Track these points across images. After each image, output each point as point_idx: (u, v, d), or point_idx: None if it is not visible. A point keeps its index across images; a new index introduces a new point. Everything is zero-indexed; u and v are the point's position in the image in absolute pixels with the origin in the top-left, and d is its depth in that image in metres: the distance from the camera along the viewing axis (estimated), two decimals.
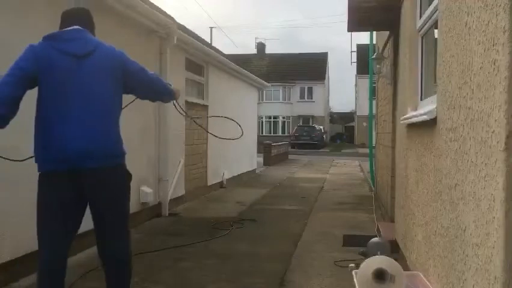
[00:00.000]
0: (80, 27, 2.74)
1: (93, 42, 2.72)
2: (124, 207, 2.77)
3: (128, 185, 2.80)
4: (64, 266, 2.62)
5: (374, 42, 9.08)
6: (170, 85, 3.19)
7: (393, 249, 3.85)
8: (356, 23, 5.74)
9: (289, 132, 39.11)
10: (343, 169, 16.23)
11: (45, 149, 2.55)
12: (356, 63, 38.56)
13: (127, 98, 2.97)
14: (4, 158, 2.77)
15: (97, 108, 2.61)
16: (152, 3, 6.26)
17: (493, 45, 1.59)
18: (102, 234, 2.70)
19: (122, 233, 2.74)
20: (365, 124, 34.03)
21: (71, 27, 2.72)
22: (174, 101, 3.33)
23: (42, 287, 2.56)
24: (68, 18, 2.79)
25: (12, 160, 2.83)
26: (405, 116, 3.84)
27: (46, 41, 2.63)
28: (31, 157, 2.64)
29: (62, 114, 2.54)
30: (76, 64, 2.60)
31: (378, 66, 6.53)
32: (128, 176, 2.79)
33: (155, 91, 3.06)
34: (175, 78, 7.09)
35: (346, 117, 54.86)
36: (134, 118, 5.89)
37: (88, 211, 2.69)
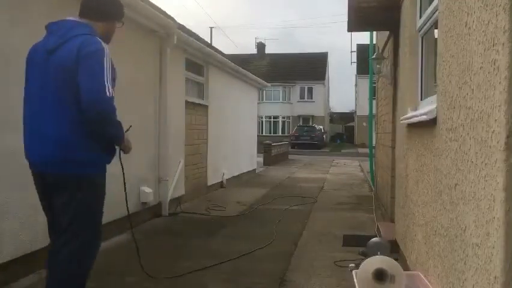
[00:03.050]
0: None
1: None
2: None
3: None
4: None
5: (374, 42, 9.09)
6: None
7: (393, 249, 3.85)
8: (356, 23, 5.73)
9: (289, 132, 39.10)
10: (343, 169, 16.22)
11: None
12: (356, 63, 38.58)
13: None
14: None
15: None
16: (152, 3, 6.25)
17: (493, 45, 1.59)
18: None
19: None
20: (365, 124, 34.04)
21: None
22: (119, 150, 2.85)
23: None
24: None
25: None
26: (405, 116, 3.84)
27: None
28: None
29: None
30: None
31: (378, 66, 6.53)
32: None
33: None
34: (175, 78, 7.10)
35: (346, 117, 54.87)
36: (134, 118, 5.88)
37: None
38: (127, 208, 3.27)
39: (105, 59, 2.49)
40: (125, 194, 3.19)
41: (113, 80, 2.58)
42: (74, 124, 2.49)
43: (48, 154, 2.51)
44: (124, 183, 3.11)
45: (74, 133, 2.50)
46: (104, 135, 2.59)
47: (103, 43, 2.55)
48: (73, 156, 2.51)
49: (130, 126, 2.88)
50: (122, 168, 3.00)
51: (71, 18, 2.67)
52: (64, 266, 2.56)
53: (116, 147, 2.77)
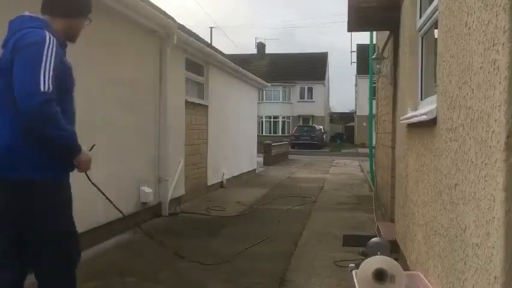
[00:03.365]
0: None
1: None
2: None
3: None
4: None
5: (374, 42, 9.09)
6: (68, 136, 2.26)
7: (393, 249, 3.85)
8: (356, 23, 5.73)
9: (289, 132, 39.10)
10: (343, 169, 16.22)
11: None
12: (356, 63, 38.58)
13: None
14: None
15: None
16: (152, 3, 6.26)
17: (493, 45, 1.59)
18: None
19: None
20: (365, 124, 34.03)
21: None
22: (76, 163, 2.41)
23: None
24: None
25: None
26: (405, 116, 3.84)
27: None
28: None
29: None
30: None
31: (378, 66, 6.53)
32: None
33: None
34: (175, 78, 7.10)
35: (346, 117, 54.86)
36: (134, 118, 5.88)
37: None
38: (118, 210, 3.18)
39: (46, 50, 2.18)
40: (112, 203, 2.99)
41: (66, 76, 2.35)
42: (16, 122, 2.19)
43: None
44: (104, 195, 2.92)
45: (16, 131, 2.21)
46: (45, 138, 2.20)
47: (48, 35, 2.24)
48: (18, 158, 2.22)
49: (94, 145, 2.68)
50: (96, 186, 2.74)
51: (27, 13, 2.43)
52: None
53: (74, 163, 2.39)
